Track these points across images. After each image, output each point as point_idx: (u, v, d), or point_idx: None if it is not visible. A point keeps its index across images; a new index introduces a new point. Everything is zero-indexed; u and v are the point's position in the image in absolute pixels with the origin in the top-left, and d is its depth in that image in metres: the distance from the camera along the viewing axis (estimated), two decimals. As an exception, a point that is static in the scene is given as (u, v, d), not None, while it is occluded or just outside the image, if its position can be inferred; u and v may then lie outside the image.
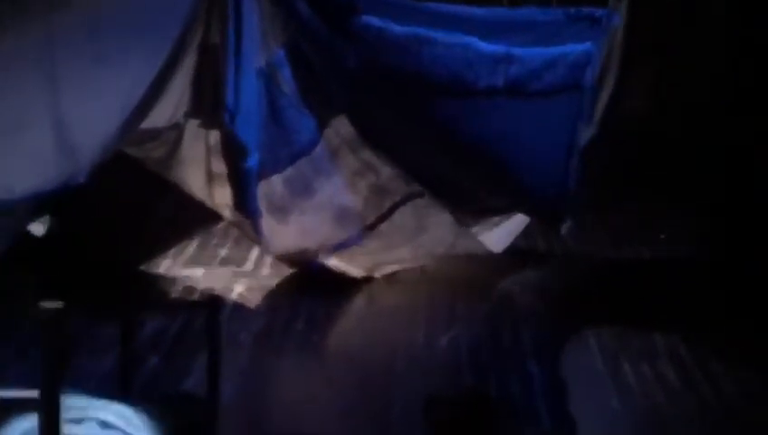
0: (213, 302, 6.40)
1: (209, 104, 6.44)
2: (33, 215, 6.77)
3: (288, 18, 6.40)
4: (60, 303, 2.64)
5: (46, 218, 6.98)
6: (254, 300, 6.66)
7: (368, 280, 6.91)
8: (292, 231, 6.76)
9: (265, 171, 6.53)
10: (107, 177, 6.39)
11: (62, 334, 2.63)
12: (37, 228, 6.99)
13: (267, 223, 6.63)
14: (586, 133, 6.62)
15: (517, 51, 6.47)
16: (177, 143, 6.60)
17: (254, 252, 7.30)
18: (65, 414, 3.03)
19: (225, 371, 4.98)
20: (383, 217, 6.86)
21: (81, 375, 4.93)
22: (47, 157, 6.17)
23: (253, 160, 6.44)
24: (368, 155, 6.73)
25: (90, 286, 6.25)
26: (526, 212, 7.08)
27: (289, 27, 6.43)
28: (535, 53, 6.50)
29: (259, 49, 6.41)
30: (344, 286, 6.79)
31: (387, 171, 6.77)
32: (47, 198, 6.24)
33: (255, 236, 6.80)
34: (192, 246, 7.47)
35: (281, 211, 6.68)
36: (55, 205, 6.70)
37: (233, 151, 6.46)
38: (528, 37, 6.50)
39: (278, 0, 6.40)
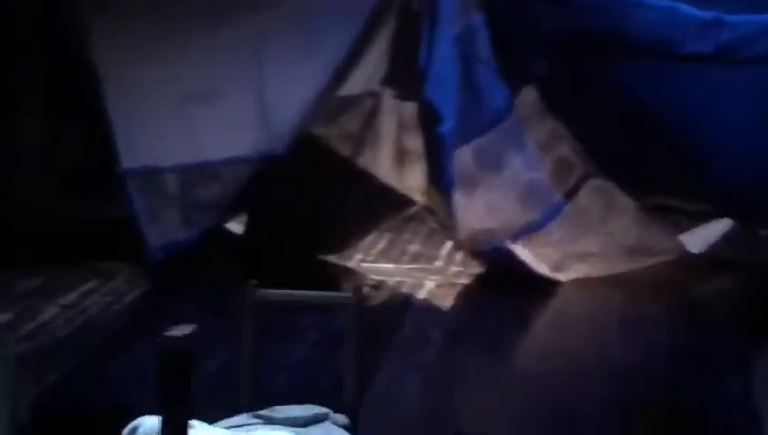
0: (402, 298, 6.40)
1: (406, 72, 6.45)
2: (232, 209, 6.88)
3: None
4: (190, 327, 2.55)
5: (243, 217, 7.09)
6: (443, 297, 6.62)
7: (557, 282, 6.79)
8: (478, 208, 6.67)
9: (457, 141, 6.50)
10: (297, 163, 6.46)
11: (186, 364, 2.53)
12: (235, 226, 7.11)
13: (456, 198, 6.57)
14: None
15: (729, 16, 6.24)
16: (372, 115, 6.63)
17: (445, 248, 7.25)
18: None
19: (415, 368, 4.94)
20: (569, 195, 6.73)
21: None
22: (246, 124, 6.32)
23: (447, 126, 6.40)
24: (553, 126, 6.62)
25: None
26: (725, 214, 6.85)
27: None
28: (749, 19, 6.26)
29: (457, 14, 6.38)
30: (534, 286, 6.68)
31: (568, 143, 6.64)
32: (245, 166, 6.36)
33: (447, 217, 6.71)
34: (383, 241, 7.46)
35: (469, 185, 6.61)
36: (251, 199, 6.79)
37: (427, 118, 6.44)
38: (742, 2, 6.27)
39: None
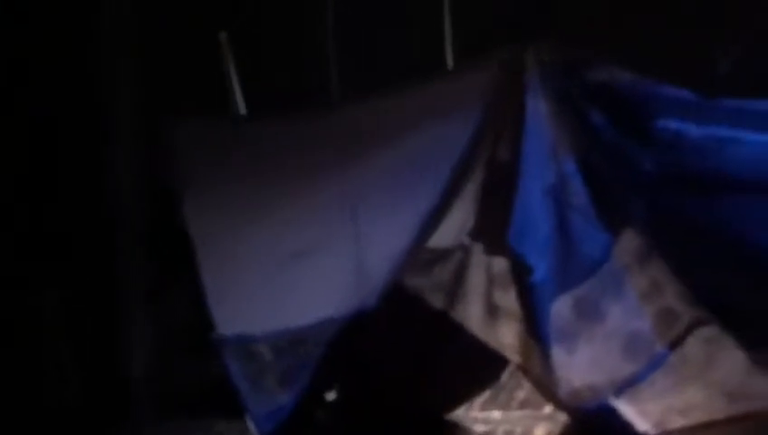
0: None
1: (494, 225, 6.17)
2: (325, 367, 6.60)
3: (580, 128, 6.06)
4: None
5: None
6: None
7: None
8: (579, 363, 6.23)
9: (554, 292, 6.13)
10: (388, 316, 6.15)
11: None
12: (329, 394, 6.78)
13: (555, 353, 6.19)
14: None
15: None
16: (463, 267, 6.40)
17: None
18: None
19: None
20: (674, 345, 6.31)
21: None
22: (341, 284, 6.06)
23: (538, 277, 6.07)
24: (655, 272, 6.24)
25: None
26: None
27: (580, 138, 6.08)
28: None
29: (547, 161, 6.12)
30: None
31: (673, 291, 6.26)
32: (337, 326, 6.06)
33: (545, 374, 6.32)
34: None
35: (569, 338, 6.20)
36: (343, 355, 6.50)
37: (517, 271, 6.16)
38: None
39: (569, 111, 6.07)
